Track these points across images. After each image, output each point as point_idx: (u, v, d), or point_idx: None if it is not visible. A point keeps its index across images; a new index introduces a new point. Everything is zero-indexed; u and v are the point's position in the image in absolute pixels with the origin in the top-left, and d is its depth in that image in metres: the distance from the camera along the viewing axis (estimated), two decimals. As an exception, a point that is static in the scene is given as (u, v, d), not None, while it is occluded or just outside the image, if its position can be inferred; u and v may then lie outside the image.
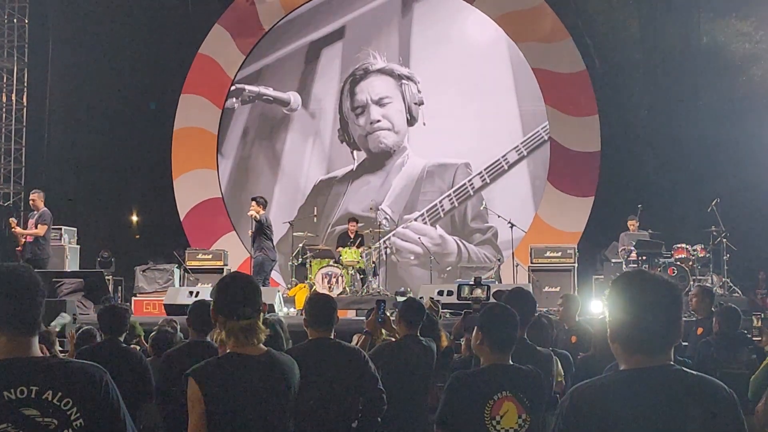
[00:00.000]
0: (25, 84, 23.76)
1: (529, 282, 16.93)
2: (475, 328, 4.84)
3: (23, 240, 15.50)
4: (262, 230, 16.23)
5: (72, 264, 18.18)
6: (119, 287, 19.04)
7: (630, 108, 21.54)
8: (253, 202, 16.48)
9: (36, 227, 15.49)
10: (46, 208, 15.76)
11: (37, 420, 2.91)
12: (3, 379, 2.94)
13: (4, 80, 23.67)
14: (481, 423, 4.52)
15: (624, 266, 16.77)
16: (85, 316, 12.62)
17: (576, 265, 17.58)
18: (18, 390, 2.92)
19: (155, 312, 15.76)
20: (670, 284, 3.04)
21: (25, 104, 23.76)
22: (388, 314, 7.23)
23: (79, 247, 18.89)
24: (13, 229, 15.71)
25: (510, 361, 4.73)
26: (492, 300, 7.09)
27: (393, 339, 7.18)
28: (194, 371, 3.94)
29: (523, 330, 5.80)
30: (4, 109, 23.68)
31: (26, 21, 23.58)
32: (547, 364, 5.80)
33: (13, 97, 23.68)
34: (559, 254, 17.64)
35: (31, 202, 15.92)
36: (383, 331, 7.24)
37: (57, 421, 2.93)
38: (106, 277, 16.63)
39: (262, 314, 4.20)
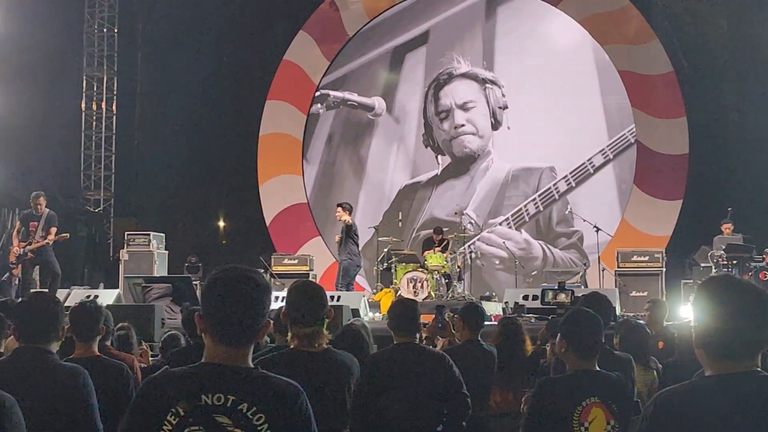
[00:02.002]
0: (115, 92, 24.20)
1: (615, 286, 16.73)
2: (558, 335, 4.81)
3: (30, 247, 15.19)
4: (349, 235, 16.31)
5: (160, 269, 18.42)
6: (203, 292, 19.27)
7: (719, 109, 21.16)
8: (339, 208, 16.56)
9: (45, 231, 15.24)
10: (49, 210, 15.58)
11: (228, 429, 2.91)
12: (203, 383, 2.96)
13: (95, 89, 24.14)
14: (569, 429, 4.47)
15: (713, 270, 16.50)
16: (173, 321, 12.77)
17: (664, 269, 17.30)
18: (215, 396, 2.93)
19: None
20: (758, 289, 2.99)
21: (114, 112, 24.21)
22: (448, 320, 7.24)
23: (167, 252, 19.14)
24: (38, 243, 15.15)
25: (596, 367, 4.69)
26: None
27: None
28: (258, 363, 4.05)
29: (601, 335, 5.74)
30: (94, 118, 24.15)
31: (115, 31, 24.03)
32: (626, 368, 5.73)
33: (103, 106, 24.14)
34: (647, 258, 17.38)
35: (38, 206, 15.46)
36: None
37: None
38: (194, 282, 16.82)
39: (326, 320, 4.55)
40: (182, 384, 2.98)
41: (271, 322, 3.11)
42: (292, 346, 4.57)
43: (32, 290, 13.58)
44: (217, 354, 3.03)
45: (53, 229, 15.26)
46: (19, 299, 12.64)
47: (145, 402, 2.98)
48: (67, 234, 15.54)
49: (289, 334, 4.55)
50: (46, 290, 13.93)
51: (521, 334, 7.65)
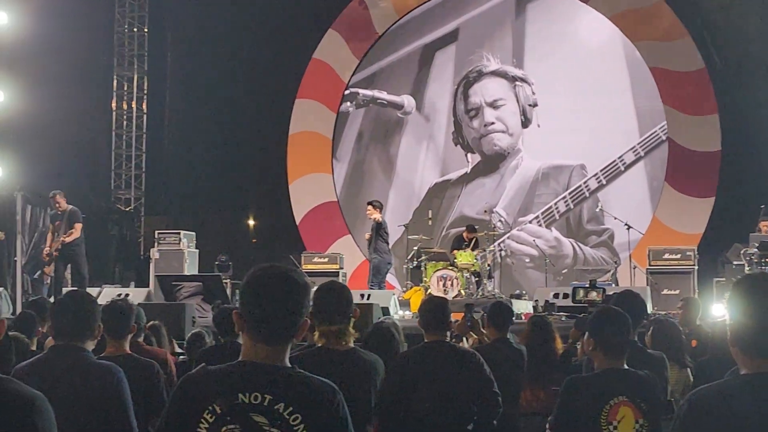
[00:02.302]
0: (145, 92, 24.33)
1: (647, 285, 16.64)
2: (586, 333, 4.79)
3: (55, 244, 15.30)
4: (378, 233, 16.30)
5: (190, 268, 18.46)
6: (237, 290, 19.30)
7: (751, 106, 20.94)
8: (370, 206, 16.54)
9: (69, 227, 15.31)
10: (72, 206, 15.63)
11: (264, 428, 2.91)
12: (241, 382, 2.96)
13: (125, 88, 24.28)
14: (597, 428, 4.45)
15: (746, 268, 16.35)
16: (204, 320, 12.82)
17: (696, 267, 17.16)
18: (252, 395, 2.93)
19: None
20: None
21: (145, 111, 24.34)
22: (477, 318, 7.23)
23: (197, 251, 19.20)
24: (62, 240, 15.27)
25: (625, 365, 4.66)
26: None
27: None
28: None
29: (634, 333, 5.69)
30: (125, 117, 24.30)
31: (145, 30, 24.16)
32: (659, 367, 5.69)
33: (134, 105, 24.28)
34: (678, 256, 17.26)
35: (57, 205, 15.54)
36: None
37: None
38: (224, 281, 16.85)
39: (352, 319, 4.71)
40: (220, 382, 2.98)
41: (308, 321, 3.11)
42: (318, 345, 4.67)
43: (68, 289, 13.66)
44: (254, 352, 3.03)
45: (77, 225, 15.33)
46: (51, 298, 12.74)
47: (183, 399, 2.99)
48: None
49: (316, 333, 4.65)
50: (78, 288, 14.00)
51: (551, 332, 7.61)
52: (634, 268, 18.08)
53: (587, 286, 7.19)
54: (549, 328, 7.67)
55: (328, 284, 4.83)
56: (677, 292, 16.35)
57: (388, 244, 16.62)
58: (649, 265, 17.28)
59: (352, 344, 4.78)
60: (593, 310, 5.47)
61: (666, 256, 17.31)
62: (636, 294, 6.37)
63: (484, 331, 7.22)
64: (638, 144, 21.13)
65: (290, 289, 3.05)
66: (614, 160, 21.19)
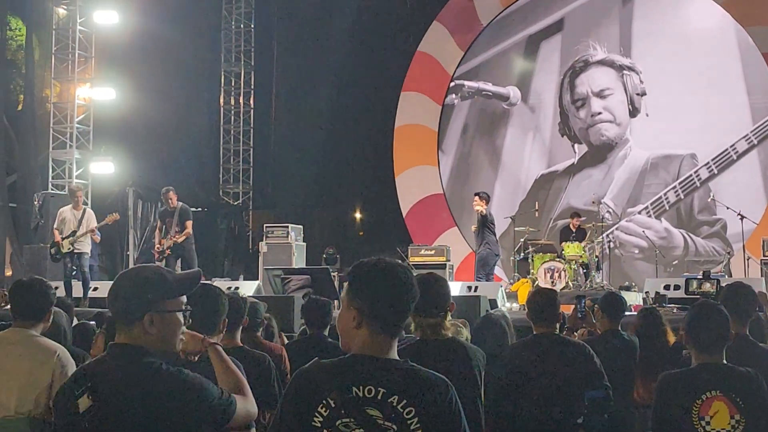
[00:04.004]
0: (252, 87, 24.66)
1: (761, 276, 16.25)
2: (684, 329, 4.72)
3: (167, 242, 15.36)
4: (485, 225, 16.21)
5: (298, 261, 18.64)
6: (344, 284, 19.36)
7: None
8: (476, 197, 16.46)
9: (180, 225, 15.38)
10: (182, 203, 15.69)
11: (378, 422, 2.93)
12: (355, 374, 2.99)
13: (232, 84, 24.66)
14: (690, 423, 4.37)
15: None
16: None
17: (813, 257, 16.74)
18: (366, 389, 2.95)
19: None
20: None
21: (252, 106, 24.67)
22: (588, 309, 7.13)
23: (305, 244, 19.36)
24: (175, 239, 15.32)
25: (724, 360, 4.55)
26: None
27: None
28: None
29: (744, 326, 5.53)
30: (232, 112, 24.67)
31: (252, 26, 24.47)
32: (766, 362, 5.54)
33: (241, 100, 24.65)
34: (794, 246, 16.84)
35: (169, 201, 15.57)
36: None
37: (396, 427, 2.93)
38: (332, 274, 16.97)
39: (449, 313, 4.68)
40: (334, 376, 3.00)
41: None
42: (417, 337, 4.66)
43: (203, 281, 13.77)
44: (369, 345, 3.04)
45: (188, 223, 15.48)
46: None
47: (297, 393, 3.01)
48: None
49: (413, 325, 4.62)
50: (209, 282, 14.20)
51: (662, 325, 7.47)
52: (748, 259, 17.67)
53: (701, 277, 7.02)
54: (659, 320, 7.54)
55: (425, 276, 4.70)
56: (793, 283, 15.94)
57: (495, 235, 16.51)
58: (764, 256, 16.86)
59: (449, 335, 4.71)
60: (692, 306, 5.35)
61: (781, 246, 16.89)
62: (746, 286, 6.18)
63: (595, 323, 7.12)
64: (751, 132, 20.62)
65: (407, 280, 3.09)
66: (726, 149, 20.72)
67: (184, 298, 3.39)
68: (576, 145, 22.05)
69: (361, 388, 2.95)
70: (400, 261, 3.18)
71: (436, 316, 4.59)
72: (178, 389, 3.17)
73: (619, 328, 6.86)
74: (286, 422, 2.99)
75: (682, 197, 21.01)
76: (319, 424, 2.93)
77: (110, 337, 5.03)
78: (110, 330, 5.21)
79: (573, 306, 7.62)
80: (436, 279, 4.75)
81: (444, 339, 4.65)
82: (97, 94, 20.48)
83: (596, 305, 7.17)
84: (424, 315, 4.58)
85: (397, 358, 3.07)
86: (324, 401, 2.95)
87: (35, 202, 18.84)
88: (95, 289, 15.10)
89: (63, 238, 14.61)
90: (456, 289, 14.69)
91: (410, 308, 3.10)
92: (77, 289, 14.64)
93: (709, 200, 19.85)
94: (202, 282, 3.65)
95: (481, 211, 16.11)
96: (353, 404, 2.94)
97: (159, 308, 3.26)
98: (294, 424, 2.97)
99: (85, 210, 15.04)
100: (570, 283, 16.69)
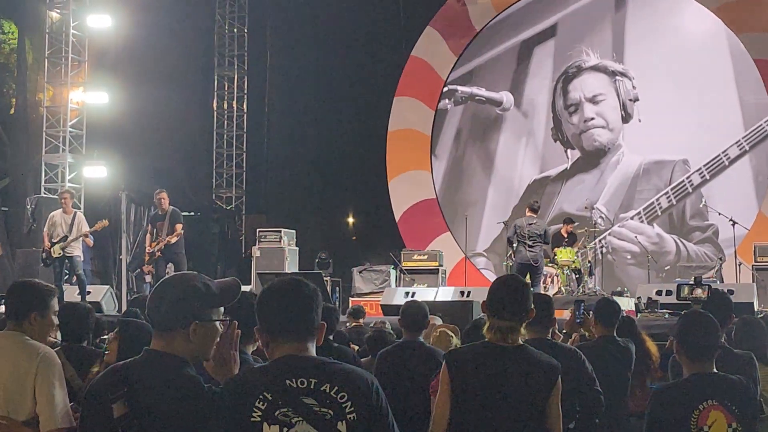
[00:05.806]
0: (245, 91, 24.65)
1: (753, 281, 16.27)
2: (673, 338, 4.70)
3: (157, 245, 15.25)
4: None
5: (291, 265, 18.63)
6: (337, 288, 19.40)
7: None
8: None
9: (171, 228, 15.27)
10: (173, 207, 15.58)
11: (315, 409, 3.07)
12: (284, 370, 3.14)
13: (226, 88, 24.65)
14: None
15: None
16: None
17: (804, 264, 16.79)
18: (299, 380, 3.11)
19: (372, 312, 15.91)
20: None
21: (245, 111, 24.66)
22: (587, 315, 7.13)
23: (297, 248, 19.35)
24: (167, 240, 15.17)
25: (714, 369, 4.54)
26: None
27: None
28: (448, 354, 4.52)
29: (721, 333, 5.54)
30: (225, 117, 24.66)
31: (245, 30, 24.47)
32: (748, 367, 5.54)
33: (234, 105, 24.64)
34: (785, 252, 16.88)
35: (161, 201, 15.42)
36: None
37: (332, 412, 3.08)
38: (325, 279, 16.96)
39: (526, 319, 4.44)
40: (266, 374, 3.17)
41: (324, 325, 3.25)
42: (487, 338, 4.48)
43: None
44: (285, 350, 3.21)
45: (178, 226, 15.41)
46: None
47: (232, 396, 3.13)
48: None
49: (486, 325, 4.48)
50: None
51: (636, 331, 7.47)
52: (740, 265, 17.71)
53: (692, 282, 7.04)
54: (633, 326, 7.55)
55: (503, 278, 4.69)
56: (784, 289, 15.99)
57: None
58: (755, 262, 16.93)
59: (521, 342, 4.47)
60: (681, 315, 5.36)
61: (772, 252, 16.94)
62: (723, 293, 6.21)
63: (592, 329, 7.11)
64: (743, 138, 20.66)
65: (299, 293, 3.28)
66: (718, 155, 20.76)
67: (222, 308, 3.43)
68: (569, 151, 22.07)
69: (294, 380, 3.11)
70: (301, 280, 3.35)
71: (508, 320, 4.39)
72: (216, 411, 3.18)
73: (615, 334, 6.85)
74: (224, 422, 3.10)
75: (675, 203, 21.04)
76: (258, 419, 3.07)
77: (125, 342, 5.03)
78: (123, 334, 5.17)
79: (570, 311, 7.58)
80: (514, 281, 4.66)
81: (512, 346, 4.41)
82: (90, 98, 20.44)
83: (590, 311, 7.15)
84: (497, 317, 4.42)
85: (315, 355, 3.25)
86: (261, 396, 3.09)
87: (28, 206, 18.81)
88: (89, 293, 15.09)
89: (54, 243, 14.57)
90: (448, 294, 14.72)
91: (305, 316, 3.25)
92: (69, 294, 14.61)
93: (701, 206, 19.87)
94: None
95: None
96: (289, 395, 3.09)
97: (204, 317, 3.28)
98: (234, 424, 3.08)
99: (75, 213, 15.00)
100: (563, 288, 16.72)
